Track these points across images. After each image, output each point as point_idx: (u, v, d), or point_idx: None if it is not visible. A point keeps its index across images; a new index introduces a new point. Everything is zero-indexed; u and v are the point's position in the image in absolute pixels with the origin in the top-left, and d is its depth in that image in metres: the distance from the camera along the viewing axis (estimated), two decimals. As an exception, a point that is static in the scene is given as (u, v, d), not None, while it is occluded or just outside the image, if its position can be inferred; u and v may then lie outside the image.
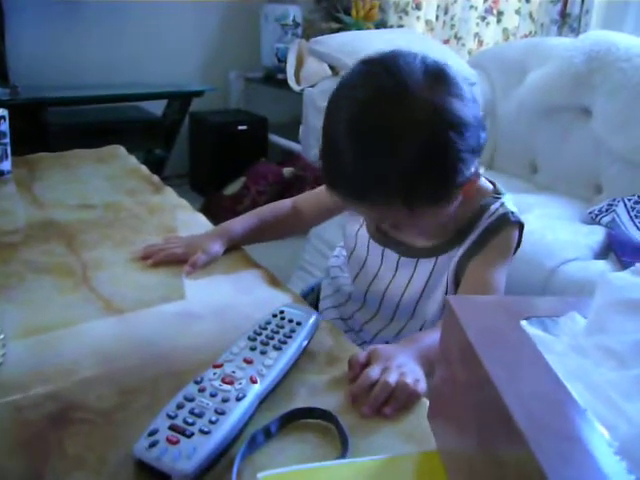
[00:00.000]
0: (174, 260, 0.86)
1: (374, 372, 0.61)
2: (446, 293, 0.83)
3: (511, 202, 0.83)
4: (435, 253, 0.83)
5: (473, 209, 0.81)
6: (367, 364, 0.63)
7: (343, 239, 0.98)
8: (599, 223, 1.70)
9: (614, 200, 1.72)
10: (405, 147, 0.64)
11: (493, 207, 0.81)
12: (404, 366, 0.62)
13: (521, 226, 0.82)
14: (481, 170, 0.84)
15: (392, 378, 0.60)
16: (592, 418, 0.35)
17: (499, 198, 0.82)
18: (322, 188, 1.01)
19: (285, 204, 1.01)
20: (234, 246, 0.92)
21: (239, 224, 0.95)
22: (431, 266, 0.84)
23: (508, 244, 0.81)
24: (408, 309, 0.88)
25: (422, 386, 0.61)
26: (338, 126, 0.68)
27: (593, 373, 0.40)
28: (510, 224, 0.80)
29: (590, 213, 1.76)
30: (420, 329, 0.87)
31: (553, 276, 1.41)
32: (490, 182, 0.85)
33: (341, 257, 1.00)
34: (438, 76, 0.68)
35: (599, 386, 0.38)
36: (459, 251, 0.81)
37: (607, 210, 1.71)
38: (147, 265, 0.85)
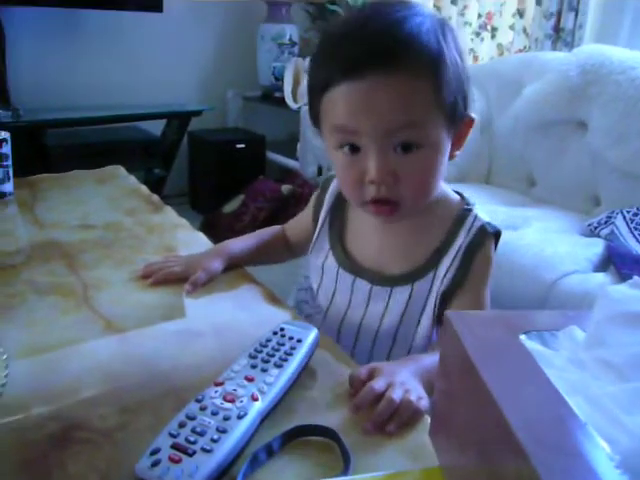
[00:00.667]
0: (174, 279, 0.86)
1: (378, 385, 0.61)
2: (432, 321, 0.80)
3: (482, 211, 0.81)
4: (411, 279, 0.80)
5: (447, 224, 0.79)
6: (368, 381, 0.63)
7: (310, 272, 0.93)
8: (598, 235, 1.70)
9: (613, 212, 1.73)
10: (427, 19, 0.70)
11: (468, 222, 0.79)
12: (407, 383, 0.62)
13: (497, 234, 0.79)
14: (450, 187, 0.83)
15: (397, 395, 0.59)
16: (593, 432, 0.35)
17: (470, 210, 0.80)
18: (302, 218, 0.97)
19: (276, 230, 1.00)
20: (233, 264, 0.92)
21: (238, 243, 0.95)
22: (407, 294, 0.80)
23: (489, 260, 0.79)
24: (387, 340, 0.82)
25: (425, 403, 0.61)
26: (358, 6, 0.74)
27: (593, 387, 0.40)
28: (489, 237, 0.79)
29: (589, 225, 1.76)
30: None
31: (553, 289, 1.41)
32: (457, 193, 0.83)
33: (309, 290, 0.92)
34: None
35: (599, 400, 0.38)
36: (440, 280, 0.78)
37: (606, 222, 1.72)
38: (147, 284, 0.86)
